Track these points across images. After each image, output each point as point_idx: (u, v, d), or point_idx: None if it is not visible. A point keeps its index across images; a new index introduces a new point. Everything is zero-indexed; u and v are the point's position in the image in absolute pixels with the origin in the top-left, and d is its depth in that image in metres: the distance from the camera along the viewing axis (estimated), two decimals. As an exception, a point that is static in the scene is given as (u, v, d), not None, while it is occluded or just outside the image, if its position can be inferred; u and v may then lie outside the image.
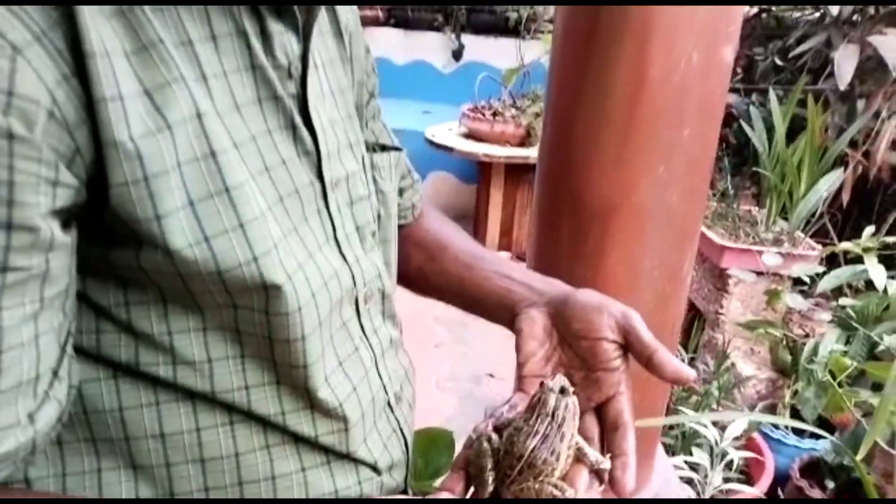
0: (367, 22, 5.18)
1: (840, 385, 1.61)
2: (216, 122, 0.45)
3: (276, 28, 0.49)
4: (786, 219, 2.27)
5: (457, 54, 5.08)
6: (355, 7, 0.64)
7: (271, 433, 0.52)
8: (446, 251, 0.73)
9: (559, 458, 0.47)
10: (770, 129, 2.32)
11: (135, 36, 0.42)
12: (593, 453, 0.51)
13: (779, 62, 2.76)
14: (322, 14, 0.57)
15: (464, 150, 3.45)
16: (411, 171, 0.76)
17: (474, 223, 3.80)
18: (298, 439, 0.53)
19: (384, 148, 0.70)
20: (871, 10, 2.27)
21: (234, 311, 0.48)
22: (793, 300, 1.85)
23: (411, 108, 4.82)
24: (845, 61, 2.07)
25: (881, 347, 1.64)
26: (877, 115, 2.22)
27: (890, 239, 1.82)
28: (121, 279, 0.46)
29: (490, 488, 0.49)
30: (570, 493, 0.48)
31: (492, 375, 2.60)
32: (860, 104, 2.27)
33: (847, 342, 1.75)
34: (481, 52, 4.95)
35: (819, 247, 2.14)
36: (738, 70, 3.14)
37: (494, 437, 0.50)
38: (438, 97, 4.91)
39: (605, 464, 0.51)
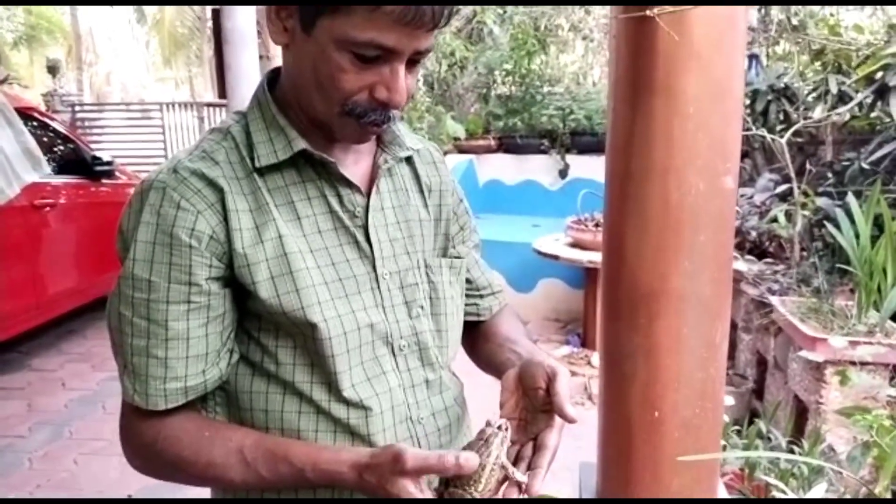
0: (481, 150, 5.83)
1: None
2: (293, 240, 0.78)
3: (345, 192, 0.83)
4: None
5: (563, 173, 5.54)
6: (445, 175, 0.97)
7: (322, 418, 0.80)
8: (493, 337, 1.00)
9: (484, 468, 0.70)
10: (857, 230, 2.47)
11: (255, 202, 0.78)
12: (512, 469, 0.73)
13: (865, 166, 2.90)
14: (386, 182, 0.88)
15: (568, 257, 3.73)
16: (491, 284, 1.05)
17: (584, 324, 4.04)
18: (337, 422, 0.81)
19: (459, 258, 0.98)
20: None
21: (301, 336, 0.79)
22: (859, 378, 1.96)
23: (521, 222, 5.25)
24: (917, 165, 2.22)
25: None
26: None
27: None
28: (254, 316, 0.81)
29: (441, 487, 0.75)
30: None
31: None
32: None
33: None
34: (585, 169, 5.37)
35: (911, 336, 2.22)
36: (829, 175, 3.29)
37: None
38: (547, 212, 5.30)
39: (518, 475, 0.72)
